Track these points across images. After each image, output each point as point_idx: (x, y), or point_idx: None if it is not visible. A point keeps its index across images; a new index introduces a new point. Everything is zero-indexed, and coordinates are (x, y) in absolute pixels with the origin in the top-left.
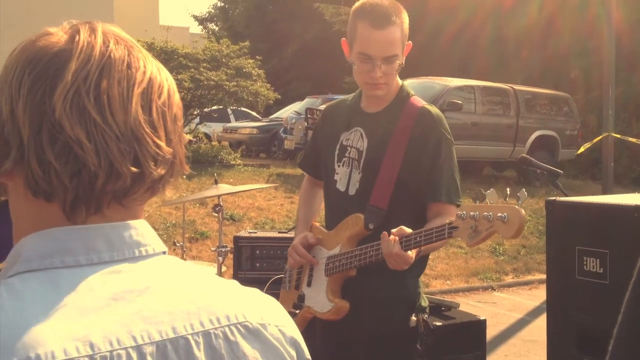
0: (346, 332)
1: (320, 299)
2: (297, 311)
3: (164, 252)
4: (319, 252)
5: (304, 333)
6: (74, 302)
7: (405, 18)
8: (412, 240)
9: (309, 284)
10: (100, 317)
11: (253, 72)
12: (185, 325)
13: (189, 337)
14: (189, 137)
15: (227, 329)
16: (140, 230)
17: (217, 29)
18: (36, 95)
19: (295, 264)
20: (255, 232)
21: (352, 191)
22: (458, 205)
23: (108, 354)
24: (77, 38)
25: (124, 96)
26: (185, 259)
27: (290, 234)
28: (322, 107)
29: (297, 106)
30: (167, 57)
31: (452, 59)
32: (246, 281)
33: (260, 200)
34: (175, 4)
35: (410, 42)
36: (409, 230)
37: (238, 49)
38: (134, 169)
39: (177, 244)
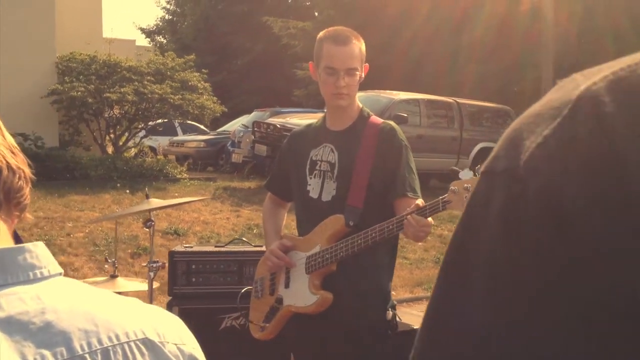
0: (324, 326)
1: (302, 295)
2: (273, 317)
3: (60, 274)
4: (295, 256)
5: (282, 332)
6: None
7: (362, 43)
8: (426, 211)
9: (286, 286)
10: None
11: (199, 85)
12: (83, 344)
13: (87, 355)
14: (134, 150)
15: (125, 346)
16: (34, 252)
17: (165, 41)
18: None
19: (273, 268)
20: (192, 247)
21: (325, 197)
22: (419, 197)
23: None
24: None
25: None
26: (117, 275)
27: (228, 248)
28: (270, 120)
29: (244, 119)
30: (110, 70)
31: (400, 72)
32: (182, 297)
33: (206, 214)
34: (121, 16)
35: (367, 64)
36: (421, 204)
37: (183, 62)
38: None
39: (109, 260)
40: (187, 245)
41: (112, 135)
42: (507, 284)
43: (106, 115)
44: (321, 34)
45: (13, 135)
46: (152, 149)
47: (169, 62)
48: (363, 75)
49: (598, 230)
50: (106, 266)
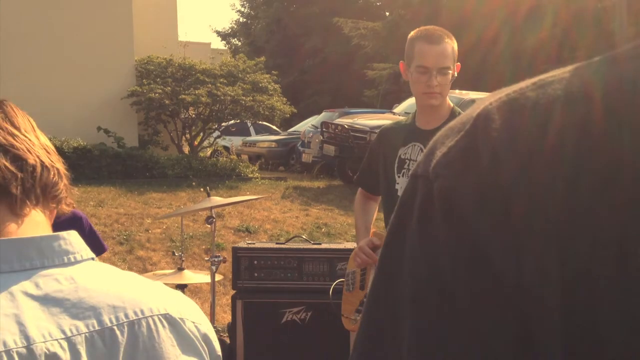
0: None
1: None
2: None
3: (92, 259)
4: None
5: None
6: (8, 302)
7: (455, 42)
8: None
9: None
10: (33, 314)
11: (269, 86)
12: (111, 318)
13: (114, 327)
14: (209, 150)
15: (149, 319)
16: (68, 240)
17: (239, 44)
18: None
19: (362, 264)
20: (254, 243)
21: None
22: None
23: (42, 344)
24: None
25: None
26: (184, 268)
27: (288, 245)
28: (338, 120)
29: (314, 120)
30: (185, 72)
31: (469, 72)
32: (245, 290)
33: (276, 213)
34: (198, 20)
35: (459, 63)
36: None
37: (254, 64)
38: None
39: (176, 254)
40: (249, 242)
41: (187, 136)
42: (422, 275)
43: (182, 116)
44: (413, 33)
45: (98, 130)
46: (226, 148)
47: (241, 64)
48: (455, 74)
49: (482, 226)
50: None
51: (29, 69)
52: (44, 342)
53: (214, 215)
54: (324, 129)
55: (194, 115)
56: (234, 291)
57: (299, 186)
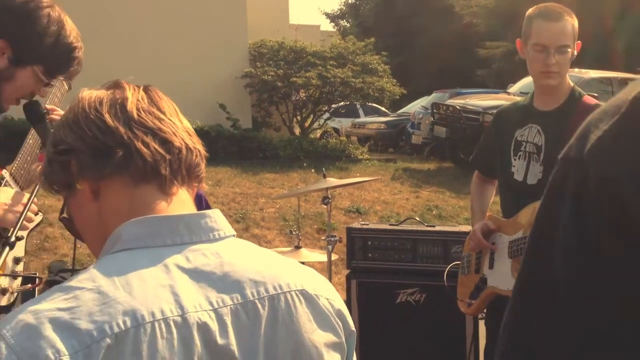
0: None
1: (505, 278)
2: (478, 295)
3: (234, 235)
4: (499, 238)
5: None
6: (164, 273)
7: (575, 19)
8: None
9: (490, 267)
10: (185, 285)
11: (379, 68)
12: (253, 292)
13: (256, 301)
14: (319, 131)
15: (287, 295)
16: (213, 217)
17: (348, 25)
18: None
19: (476, 248)
20: (368, 224)
21: (531, 180)
22: None
23: (194, 314)
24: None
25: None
26: (301, 247)
27: (402, 227)
28: (449, 101)
29: (424, 101)
30: (296, 55)
31: (591, 50)
32: (359, 270)
33: (386, 194)
34: (307, 2)
35: (579, 41)
36: None
37: (364, 45)
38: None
39: (294, 233)
40: (363, 223)
41: (298, 118)
42: (576, 254)
43: (293, 98)
44: (530, 10)
45: (220, 106)
46: (336, 130)
47: (350, 46)
48: (575, 53)
49: None
50: (291, 237)
51: (150, 53)
52: (195, 312)
53: (329, 196)
54: (434, 110)
55: (304, 98)
56: (347, 271)
57: (408, 168)
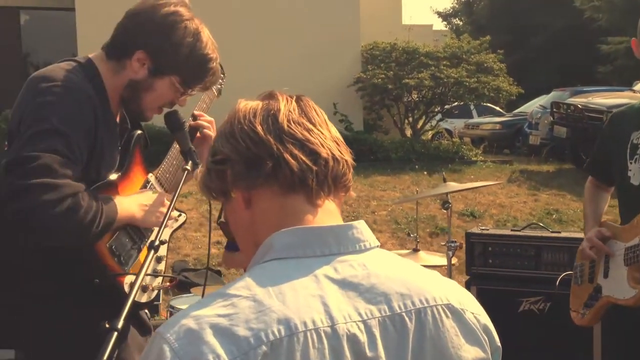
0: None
1: (621, 287)
2: (592, 304)
3: (377, 246)
4: (614, 245)
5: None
6: (314, 284)
7: None
8: None
9: (605, 275)
10: (334, 296)
11: (494, 66)
12: (400, 305)
13: (403, 314)
14: (430, 133)
15: (434, 308)
16: (359, 229)
17: (460, 24)
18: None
19: (589, 256)
20: (488, 229)
21: None
22: None
23: (344, 325)
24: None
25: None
26: (419, 250)
27: (525, 232)
28: (570, 100)
29: (542, 100)
30: (409, 56)
31: None
32: (479, 277)
33: (502, 197)
34: (419, 1)
35: None
36: None
37: (479, 44)
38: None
39: (412, 235)
40: (483, 228)
41: (410, 119)
42: None
43: (405, 100)
44: None
45: (334, 106)
46: (448, 131)
47: (464, 45)
48: None
49: None
50: (410, 241)
51: (262, 57)
52: (345, 323)
53: (450, 201)
54: (554, 109)
55: (416, 99)
56: (466, 277)
57: (526, 170)
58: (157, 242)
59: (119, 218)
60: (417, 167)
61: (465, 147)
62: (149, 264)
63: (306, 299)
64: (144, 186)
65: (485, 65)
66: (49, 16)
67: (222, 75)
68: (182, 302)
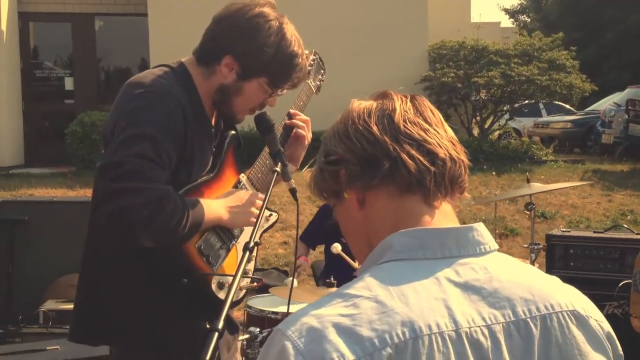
0: None
1: None
2: None
3: (496, 249)
4: None
5: None
6: (436, 286)
7: None
8: None
9: None
10: (457, 300)
11: (567, 63)
12: (524, 310)
13: (528, 320)
14: (497, 132)
15: (559, 315)
16: (480, 231)
17: (528, 20)
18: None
19: None
20: (569, 231)
21: None
22: None
23: (468, 329)
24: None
25: None
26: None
27: (608, 234)
28: None
29: (616, 97)
30: (478, 55)
31: None
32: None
33: (574, 198)
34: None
35: None
36: None
37: (551, 41)
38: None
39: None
40: (564, 230)
41: (478, 118)
42: None
43: (473, 99)
44: None
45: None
46: (516, 130)
47: (536, 42)
48: None
49: None
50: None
51: (328, 55)
52: (468, 327)
53: (533, 202)
54: (629, 107)
55: (485, 98)
56: None
57: (598, 170)
58: (252, 244)
59: (207, 220)
60: (485, 167)
61: (536, 146)
62: (244, 265)
63: (429, 301)
64: (235, 186)
65: (558, 62)
66: (122, 22)
67: (322, 71)
68: (259, 302)
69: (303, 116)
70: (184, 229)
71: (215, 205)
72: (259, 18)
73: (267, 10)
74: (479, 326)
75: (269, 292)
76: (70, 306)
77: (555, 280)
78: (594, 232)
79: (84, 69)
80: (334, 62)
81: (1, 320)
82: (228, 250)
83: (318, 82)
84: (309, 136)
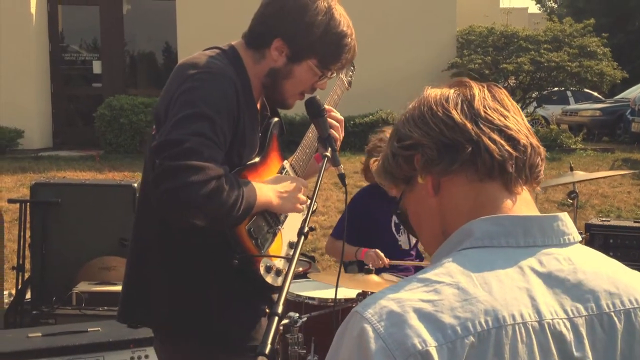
0: None
1: None
2: None
3: (580, 241)
4: None
5: None
6: (519, 275)
7: None
8: None
9: None
10: (540, 290)
11: (598, 50)
12: (608, 303)
13: (612, 314)
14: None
15: None
16: (564, 221)
17: (555, 6)
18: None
19: None
20: (609, 220)
21: None
22: None
23: (550, 321)
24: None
25: None
26: None
27: None
28: None
29: None
30: (507, 40)
31: None
32: None
33: (605, 187)
34: None
35: None
36: None
37: (582, 27)
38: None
39: None
40: (604, 219)
41: None
42: None
43: (501, 85)
44: None
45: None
46: (544, 118)
47: (567, 28)
48: None
49: None
50: None
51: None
52: (551, 319)
53: (576, 191)
54: None
55: (513, 84)
56: None
57: (629, 158)
58: (306, 229)
59: (258, 204)
60: None
61: (564, 134)
62: (299, 249)
63: (512, 291)
64: (280, 172)
65: (589, 49)
66: (149, 5)
67: (352, 67)
68: (298, 288)
69: (338, 115)
70: (238, 210)
71: (265, 190)
72: None
73: None
74: (561, 318)
75: (305, 277)
76: (102, 288)
77: (638, 274)
78: (635, 221)
79: (111, 53)
80: (362, 47)
81: (35, 301)
82: (274, 234)
83: (349, 78)
84: (341, 136)
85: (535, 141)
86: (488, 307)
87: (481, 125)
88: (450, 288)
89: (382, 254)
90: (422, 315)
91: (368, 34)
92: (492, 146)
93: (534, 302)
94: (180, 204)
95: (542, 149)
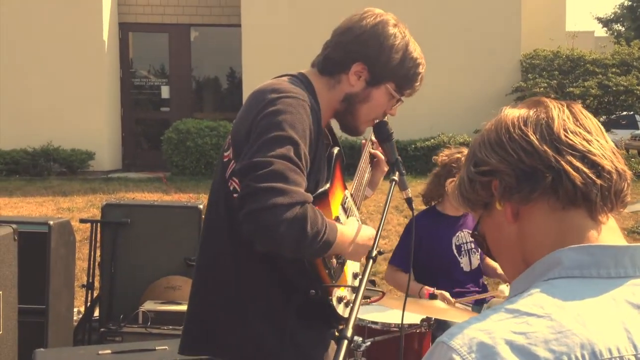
0: None
1: None
2: None
3: None
4: None
5: None
6: (613, 307)
7: None
8: None
9: None
10: (635, 322)
11: None
12: None
13: None
14: None
15: None
16: None
17: (623, 29)
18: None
19: None
20: None
21: None
22: None
23: None
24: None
25: None
26: None
27: None
28: None
29: None
30: (573, 64)
31: None
32: None
33: None
34: (579, 8)
35: None
36: None
37: None
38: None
39: None
40: None
41: None
42: None
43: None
44: None
45: (475, 132)
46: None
47: (635, 51)
48: None
49: None
50: None
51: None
52: None
53: None
54: None
55: None
56: None
57: None
58: (374, 253)
59: (335, 245)
60: None
61: (634, 160)
62: (369, 273)
63: (607, 323)
64: (343, 202)
65: None
66: (215, 32)
67: None
68: (360, 311)
69: (379, 155)
70: (319, 243)
71: (345, 236)
72: (383, 23)
73: (387, 16)
74: None
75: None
76: (167, 307)
77: None
78: None
79: (179, 78)
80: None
81: (103, 319)
82: (343, 265)
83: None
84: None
85: (621, 165)
86: (584, 341)
87: (562, 151)
88: (542, 320)
89: (448, 295)
90: (515, 348)
91: (431, 56)
92: (574, 174)
93: (629, 334)
94: (262, 226)
95: (628, 173)
